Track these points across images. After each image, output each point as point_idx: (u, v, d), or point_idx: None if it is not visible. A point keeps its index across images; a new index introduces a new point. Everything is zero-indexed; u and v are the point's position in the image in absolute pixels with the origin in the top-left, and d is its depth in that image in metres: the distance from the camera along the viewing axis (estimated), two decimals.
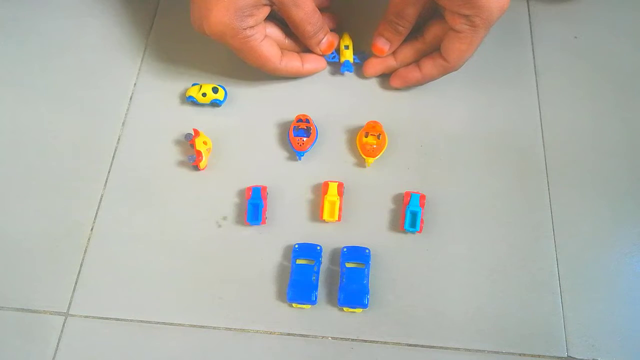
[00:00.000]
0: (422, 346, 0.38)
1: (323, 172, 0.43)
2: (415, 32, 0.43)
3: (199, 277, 0.40)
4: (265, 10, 0.40)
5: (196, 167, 0.43)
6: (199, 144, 0.42)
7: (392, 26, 0.42)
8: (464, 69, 0.43)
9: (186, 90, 0.46)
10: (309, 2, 0.40)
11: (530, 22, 0.49)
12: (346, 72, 0.47)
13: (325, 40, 0.44)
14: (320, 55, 0.45)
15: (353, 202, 0.42)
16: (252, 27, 0.39)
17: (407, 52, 0.44)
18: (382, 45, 0.44)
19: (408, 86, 0.45)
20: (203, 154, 0.42)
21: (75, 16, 0.50)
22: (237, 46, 0.40)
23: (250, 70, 0.45)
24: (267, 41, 0.41)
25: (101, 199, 0.43)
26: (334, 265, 0.40)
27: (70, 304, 0.40)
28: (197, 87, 0.45)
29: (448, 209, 0.42)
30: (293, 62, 0.44)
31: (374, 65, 0.45)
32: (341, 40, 0.46)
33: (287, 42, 0.44)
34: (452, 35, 0.40)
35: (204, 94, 0.44)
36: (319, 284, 0.39)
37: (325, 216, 0.40)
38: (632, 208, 0.42)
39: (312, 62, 0.45)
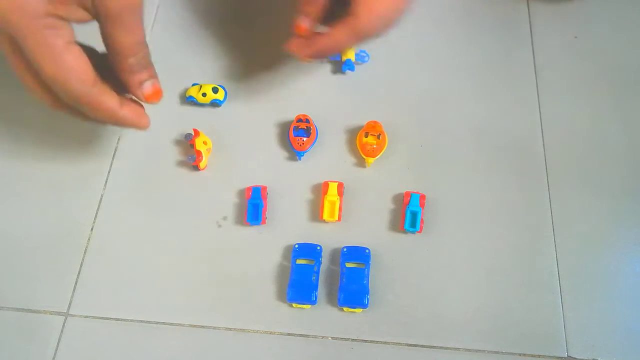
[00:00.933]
0: (422, 346, 0.38)
1: (323, 172, 0.43)
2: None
3: (199, 277, 0.40)
4: (78, 15, 0.30)
5: (196, 167, 0.43)
6: (199, 144, 0.42)
7: None
8: (464, 69, 0.43)
9: (186, 90, 0.45)
10: (141, 30, 0.32)
11: (530, 22, 0.49)
12: (347, 72, 0.47)
13: (151, 83, 0.34)
14: (141, 101, 0.35)
15: (353, 202, 0.42)
16: (60, 18, 0.29)
17: (340, 32, 0.37)
18: (301, 22, 0.37)
19: (318, 55, 0.38)
20: (203, 154, 0.42)
21: None
22: (33, 36, 0.28)
23: (251, 70, 0.45)
24: (77, 49, 0.30)
25: (101, 199, 0.43)
26: (334, 265, 0.40)
27: (70, 304, 0.40)
28: (197, 87, 0.45)
29: (448, 209, 0.42)
30: (108, 96, 0.32)
31: (305, 47, 0.38)
32: None
33: (100, 75, 0.32)
34: None
35: (204, 94, 0.44)
36: (319, 284, 0.39)
37: (325, 216, 0.40)
38: (632, 208, 0.42)
39: (132, 110, 0.34)
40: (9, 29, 0.28)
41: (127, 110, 0.34)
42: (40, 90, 0.32)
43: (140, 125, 0.35)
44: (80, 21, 0.30)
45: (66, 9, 0.29)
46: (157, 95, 0.35)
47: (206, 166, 0.43)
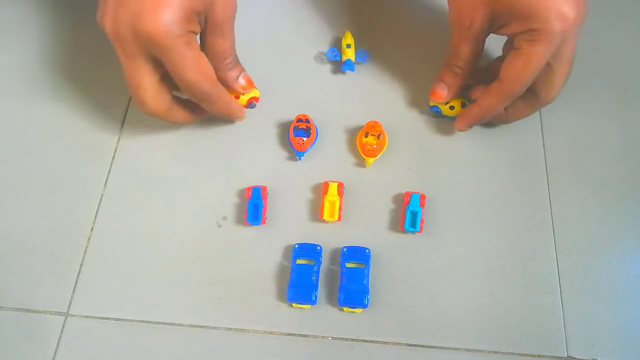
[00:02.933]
0: (422, 346, 0.38)
1: (323, 172, 0.43)
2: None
3: (199, 277, 0.40)
4: (197, 28, 0.37)
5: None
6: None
7: (449, 68, 0.41)
8: None
9: None
10: (234, 34, 0.40)
11: None
12: (347, 72, 0.47)
13: (243, 76, 0.42)
14: (240, 92, 0.43)
15: (353, 202, 0.42)
16: (194, 33, 0.36)
17: (487, 97, 0.40)
18: (440, 90, 0.42)
19: (471, 124, 0.42)
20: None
21: (74, 18, 0.50)
22: (179, 50, 0.34)
23: (251, 69, 0.45)
24: (204, 56, 0.37)
25: (101, 199, 0.43)
26: (334, 265, 0.40)
27: (70, 304, 0.40)
28: None
29: (448, 209, 0.42)
30: (224, 92, 0.40)
31: (458, 119, 0.42)
32: (343, 39, 0.46)
33: None
34: (511, 54, 0.37)
35: None
36: (319, 284, 0.39)
37: (325, 216, 0.40)
38: (632, 208, 0.42)
39: (237, 104, 0.43)
40: (152, 48, 0.34)
41: (235, 104, 0.42)
42: (156, 99, 0.38)
43: (241, 116, 0.43)
44: (196, 33, 0.37)
45: (195, 25, 0.36)
46: (250, 84, 0.43)
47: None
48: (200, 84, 0.37)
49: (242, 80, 0.42)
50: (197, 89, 0.37)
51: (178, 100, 0.41)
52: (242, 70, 0.42)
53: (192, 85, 0.37)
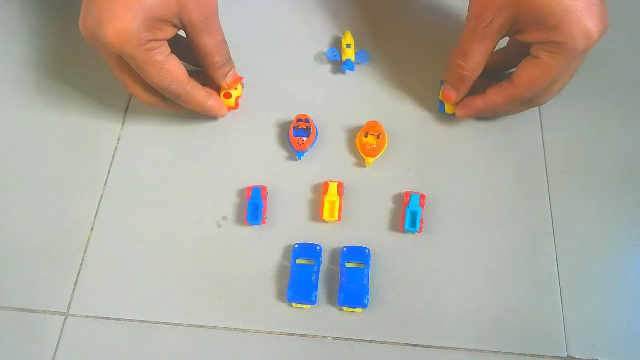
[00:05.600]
0: (422, 346, 0.38)
1: (323, 172, 0.43)
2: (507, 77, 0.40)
3: (199, 277, 0.40)
4: (172, 32, 0.37)
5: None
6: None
7: (455, 70, 0.40)
8: None
9: None
10: (221, 31, 0.39)
11: None
12: (347, 72, 0.47)
13: (232, 74, 0.42)
14: (225, 88, 0.43)
15: (353, 202, 0.42)
16: (159, 40, 0.36)
17: (496, 95, 0.40)
18: (449, 92, 0.42)
19: (473, 115, 0.42)
20: (233, 94, 0.43)
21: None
22: (140, 58, 0.35)
23: (250, 69, 0.45)
24: (174, 59, 0.37)
25: (101, 199, 0.43)
26: (334, 265, 0.40)
27: (70, 304, 0.40)
28: None
29: (448, 209, 0.42)
30: (199, 91, 0.40)
31: (461, 108, 0.42)
32: (343, 39, 0.46)
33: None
34: (527, 61, 0.37)
35: None
36: (319, 284, 0.39)
37: (325, 216, 0.40)
38: (632, 208, 0.42)
39: (216, 101, 0.43)
40: (119, 54, 0.35)
41: (212, 102, 0.42)
42: (143, 93, 0.40)
43: (220, 113, 0.43)
44: (172, 36, 0.37)
45: (161, 32, 0.36)
46: (237, 82, 0.43)
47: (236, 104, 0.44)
48: (166, 88, 0.38)
49: (229, 78, 0.42)
50: (164, 91, 0.38)
51: None
52: (233, 67, 0.42)
53: (159, 87, 0.38)
